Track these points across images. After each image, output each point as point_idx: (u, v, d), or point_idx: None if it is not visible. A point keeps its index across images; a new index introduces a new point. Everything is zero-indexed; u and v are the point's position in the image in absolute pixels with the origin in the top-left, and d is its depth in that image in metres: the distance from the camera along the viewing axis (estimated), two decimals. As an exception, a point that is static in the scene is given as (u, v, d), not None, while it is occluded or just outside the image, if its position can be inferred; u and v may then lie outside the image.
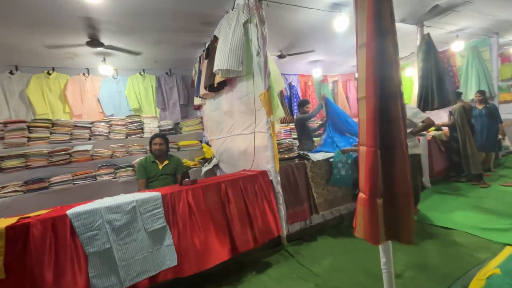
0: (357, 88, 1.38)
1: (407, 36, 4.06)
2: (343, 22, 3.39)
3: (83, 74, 4.34)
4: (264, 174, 2.56)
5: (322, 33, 3.99)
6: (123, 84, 4.61)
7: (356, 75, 4.15)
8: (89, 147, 3.70)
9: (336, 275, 2.08)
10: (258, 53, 2.55)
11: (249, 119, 2.89)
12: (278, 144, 2.95)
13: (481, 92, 4.45)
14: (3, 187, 3.12)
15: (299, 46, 4.48)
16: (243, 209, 2.32)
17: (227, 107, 3.41)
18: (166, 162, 2.90)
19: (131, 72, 4.68)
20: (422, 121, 2.88)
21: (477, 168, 3.95)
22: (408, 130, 2.99)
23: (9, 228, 1.53)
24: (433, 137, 4.37)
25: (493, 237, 2.36)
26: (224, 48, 2.76)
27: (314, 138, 4.22)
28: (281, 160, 2.80)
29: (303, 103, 4.10)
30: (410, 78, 5.71)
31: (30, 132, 3.51)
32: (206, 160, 4.15)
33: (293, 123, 4.64)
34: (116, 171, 3.65)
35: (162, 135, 3.01)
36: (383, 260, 1.43)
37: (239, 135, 3.19)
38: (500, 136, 4.45)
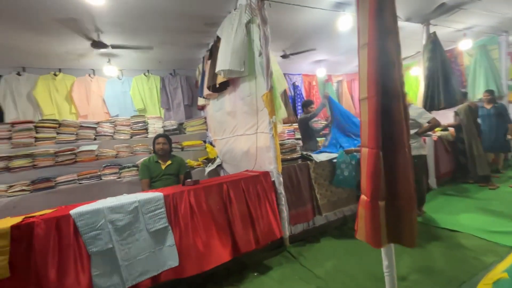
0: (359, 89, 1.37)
1: (413, 35, 4.00)
2: (346, 22, 3.36)
3: (89, 75, 4.40)
4: (266, 174, 2.55)
5: (326, 33, 3.96)
6: (128, 85, 4.66)
7: (361, 75, 4.09)
8: (94, 147, 3.74)
9: (339, 277, 2.06)
10: (260, 54, 2.54)
11: (252, 119, 2.88)
12: (281, 145, 2.94)
13: (489, 91, 4.36)
14: (10, 186, 3.18)
15: (302, 46, 4.45)
16: (245, 209, 2.32)
17: (230, 107, 3.41)
18: (169, 162, 2.92)
19: (135, 73, 4.72)
20: (428, 122, 2.84)
21: (483, 169, 3.87)
22: (414, 131, 2.95)
23: (14, 227, 1.55)
24: (439, 138, 4.30)
25: (500, 240, 2.31)
26: (226, 49, 2.76)
27: (319, 139, 4.19)
28: (284, 160, 2.79)
29: (307, 104, 4.07)
30: (416, 77, 5.62)
31: (37, 132, 3.56)
32: (209, 160, 4.16)
33: (297, 124, 4.61)
34: (120, 171, 3.68)
35: (165, 135, 3.03)
36: (385, 263, 1.41)
37: (242, 135, 3.19)
38: (509, 137, 4.36)
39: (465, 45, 4.56)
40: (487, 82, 4.90)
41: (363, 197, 1.32)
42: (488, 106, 4.34)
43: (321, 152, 3.32)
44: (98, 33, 3.29)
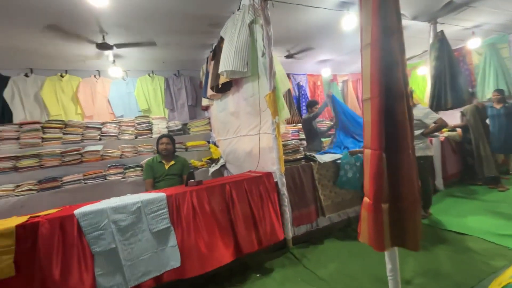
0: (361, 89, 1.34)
1: (420, 34, 3.93)
2: (351, 21, 3.31)
3: (94, 76, 4.46)
4: (269, 175, 2.54)
5: (330, 32, 3.92)
6: (133, 86, 4.70)
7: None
8: (99, 147, 3.79)
9: (342, 279, 2.04)
10: (263, 54, 2.53)
11: (255, 120, 2.87)
12: (284, 145, 2.92)
13: (499, 91, 4.25)
14: (18, 186, 3.24)
15: (306, 46, 4.42)
16: (247, 210, 2.31)
17: (233, 108, 3.41)
18: (172, 162, 2.93)
19: (140, 74, 4.76)
20: (434, 122, 2.78)
21: (490, 170, 3.78)
22: (420, 131, 2.90)
23: (19, 227, 1.58)
24: (447, 138, 4.22)
25: (510, 243, 2.24)
26: (230, 49, 2.75)
27: (323, 139, 4.16)
28: (287, 161, 2.77)
29: (311, 104, 4.04)
30: (423, 77, 5.53)
31: (44, 133, 3.62)
32: (213, 161, 4.17)
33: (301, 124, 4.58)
34: (125, 171, 3.72)
35: (169, 135, 3.04)
36: (388, 266, 1.38)
37: (245, 136, 3.18)
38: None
39: (473, 44, 4.46)
40: (497, 81, 4.78)
41: (366, 199, 1.29)
42: (498, 106, 4.23)
43: (325, 152, 3.29)
44: (103, 35, 3.32)
